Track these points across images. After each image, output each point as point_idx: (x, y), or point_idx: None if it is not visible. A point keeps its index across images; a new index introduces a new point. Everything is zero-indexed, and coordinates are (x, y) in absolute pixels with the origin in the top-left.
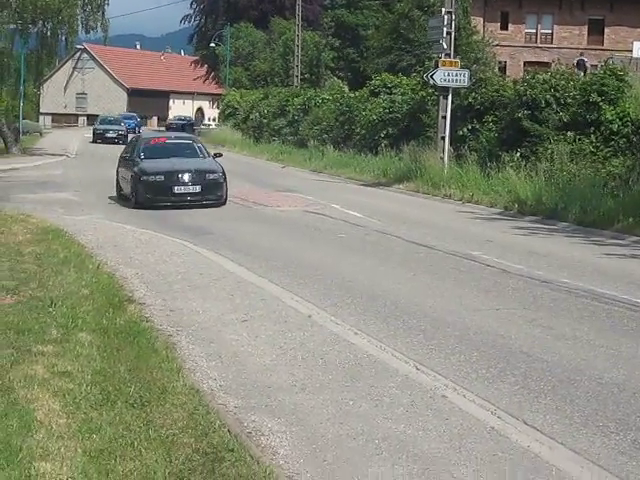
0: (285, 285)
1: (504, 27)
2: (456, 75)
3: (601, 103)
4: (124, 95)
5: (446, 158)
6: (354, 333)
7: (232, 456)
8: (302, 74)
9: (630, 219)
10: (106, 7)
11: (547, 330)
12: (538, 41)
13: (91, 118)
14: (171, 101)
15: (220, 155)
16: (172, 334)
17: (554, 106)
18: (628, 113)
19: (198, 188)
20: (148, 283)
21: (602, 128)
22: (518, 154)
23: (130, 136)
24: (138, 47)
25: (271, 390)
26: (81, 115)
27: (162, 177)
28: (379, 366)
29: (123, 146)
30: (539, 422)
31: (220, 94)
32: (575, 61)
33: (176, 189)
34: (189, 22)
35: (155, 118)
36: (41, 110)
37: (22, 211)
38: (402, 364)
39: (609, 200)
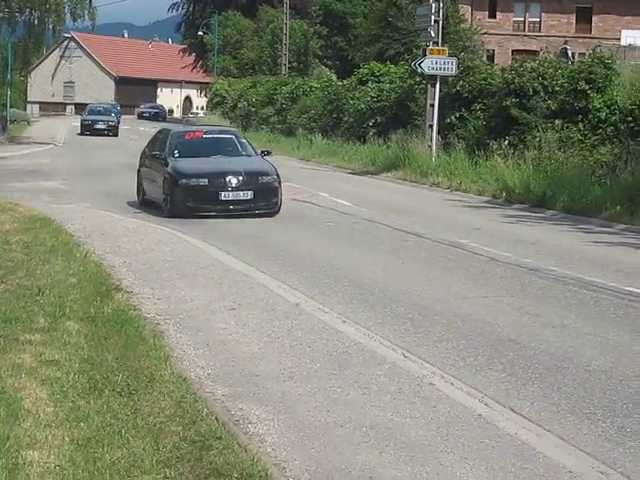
0: (273, 273)
1: (492, 15)
2: (444, 63)
3: (589, 91)
4: (112, 84)
5: (434, 146)
6: (342, 321)
7: (220, 444)
8: (290, 63)
9: (618, 207)
10: None
11: (535, 318)
12: (526, 29)
13: (79, 107)
14: (159, 90)
15: (269, 153)
16: (160, 322)
17: (542, 94)
18: (616, 101)
19: (249, 194)
20: (136, 271)
21: (590, 116)
22: (506, 142)
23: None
24: (126, 35)
25: (259, 378)
26: (69, 104)
27: (206, 180)
28: (367, 354)
29: (114, 138)
30: (526, 409)
31: (208, 83)
32: (559, 50)
33: (223, 195)
34: (177, 10)
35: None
36: (29, 99)
37: (10, 200)
38: (390, 352)
39: (597, 188)
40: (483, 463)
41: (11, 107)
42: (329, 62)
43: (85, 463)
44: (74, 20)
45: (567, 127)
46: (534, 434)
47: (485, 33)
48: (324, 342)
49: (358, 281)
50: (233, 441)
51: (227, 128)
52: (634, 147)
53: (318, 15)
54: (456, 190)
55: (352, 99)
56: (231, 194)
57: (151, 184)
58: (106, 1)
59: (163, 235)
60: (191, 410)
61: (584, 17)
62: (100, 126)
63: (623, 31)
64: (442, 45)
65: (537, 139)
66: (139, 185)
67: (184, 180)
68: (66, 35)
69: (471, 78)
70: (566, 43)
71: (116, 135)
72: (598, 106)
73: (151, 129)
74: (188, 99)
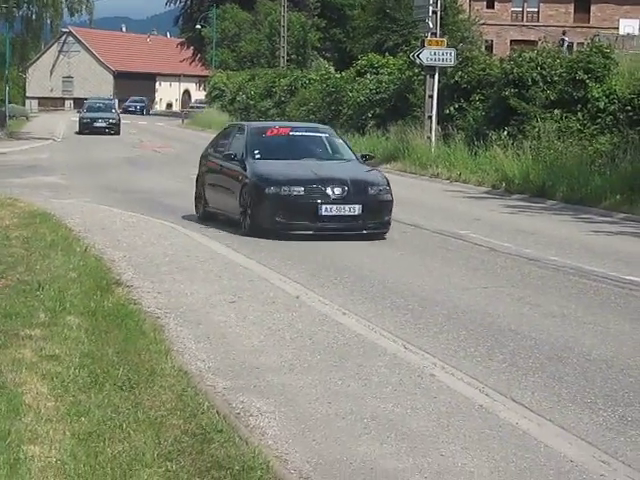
0: (273, 266)
1: (490, 6)
2: (442, 54)
3: (588, 81)
4: (110, 78)
5: (433, 137)
6: (342, 313)
7: (221, 437)
8: (288, 55)
9: (617, 196)
10: None
11: (535, 308)
12: (524, 19)
13: (78, 102)
14: (157, 83)
15: (371, 157)
16: (160, 316)
17: (541, 84)
18: (615, 90)
19: (357, 209)
20: (136, 266)
21: (589, 106)
22: (505, 132)
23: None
24: (124, 30)
25: (259, 371)
26: (67, 99)
27: (301, 190)
28: (367, 346)
29: (115, 137)
30: (527, 399)
31: (207, 76)
32: (558, 41)
33: (324, 209)
34: (175, 4)
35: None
36: (27, 94)
37: (9, 195)
38: (390, 343)
39: (596, 178)
40: (484, 453)
41: (10, 102)
42: (327, 54)
43: (86, 457)
44: (71, 15)
45: (566, 117)
46: (535, 424)
47: (483, 24)
48: (324, 334)
49: (358, 273)
50: (234, 434)
51: (317, 125)
52: (633, 136)
53: (316, 7)
54: (456, 181)
55: (351, 91)
56: (334, 208)
57: (219, 192)
58: None
59: (163, 229)
60: (192, 403)
61: (582, 7)
62: (100, 124)
63: (621, 20)
64: (440, 36)
65: (536, 129)
66: (199, 194)
67: (272, 188)
68: (64, 30)
69: (470, 69)
70: (564, 34)
71: (118, 133)
72: (597, 96)
73: (153, 124)
74: (187, 92)
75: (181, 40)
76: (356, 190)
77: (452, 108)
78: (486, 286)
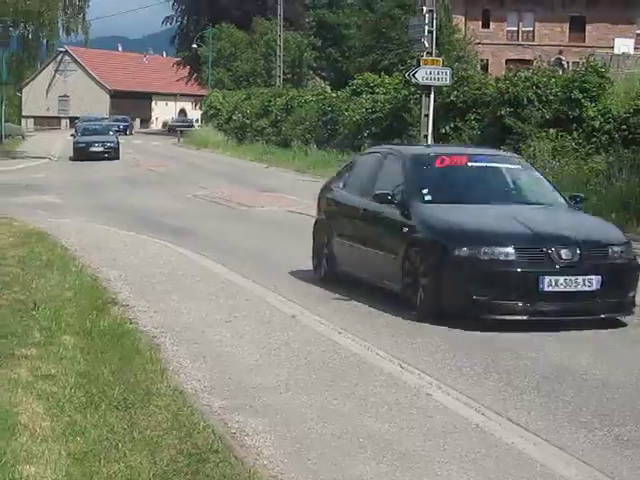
0: (269, 285)
1: (485, 25)
2: (438, 73)
3: (583, 100)
4: (106, 97)
5: None
6: (338, 332)
7: (216, 457)
8: (284, 74)
9: (613, 215)
10: (87, 10)
11: (530, 327)
12: (520, 39)
13: (74, 121)
14: (154, 103)
15: (584, 200)
16: (156, 335)
17: (536, 103)
18: (610, 110)
19: (594, 282)
20: (132, 285)
21: (584, 125)
22: None
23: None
24: (120, 49)
25: (255, 390)
26: (63, 118)
27: (511, 252)
28: (363, 365)
29: (115, 162)
30: (523, 419)
31: (203, 95)
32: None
33: (546, 283)
34: (171, 23)
35: (138, 120)
36: (23, 113)
37: (5, 214)
38: (386, 363)
39: (592, 196)
40: (480, 473)
41: (6, 121)
42: (323, 73)
43: (82, 477)
44: (67, 34)
45: (561, 136)
46: (531, 443)
47: (479, 43)
48: (320, 353)
49: (355, 292)
50: (230, 454)
51: (503, 152)
52: (628, 155)
53: (312, 27)
54: None
55: (347, 110)
56: (561, 281)
57: (361, 250)
58: (99, 15)
59: (158, 248)
60: (188, 423)
61: (577, 26)
62: (97, 149)
63: (616, 39)
64: (436, 55)
65: (532, 148)
66: (320, 247)
67: (465, 249)
68: (60, 49)
69: (465, 88)
70: (561, 53)
71: (117, 158)
72: (592, 115)
73: (149, 143)
74: (183, 112)
75: (177, 59)
76: (589, 254)
77: (448, 127)
78: None
